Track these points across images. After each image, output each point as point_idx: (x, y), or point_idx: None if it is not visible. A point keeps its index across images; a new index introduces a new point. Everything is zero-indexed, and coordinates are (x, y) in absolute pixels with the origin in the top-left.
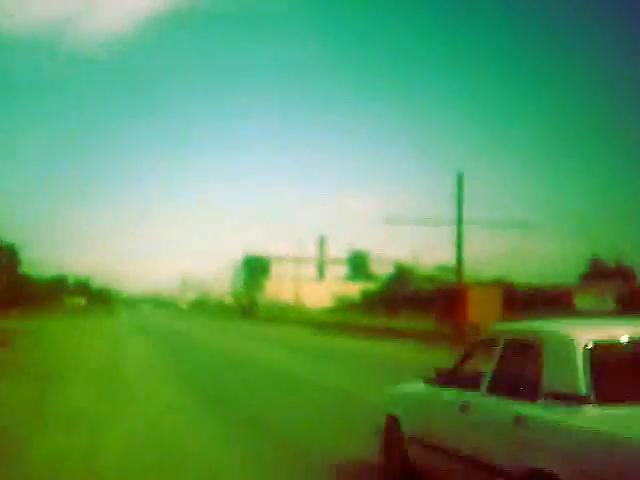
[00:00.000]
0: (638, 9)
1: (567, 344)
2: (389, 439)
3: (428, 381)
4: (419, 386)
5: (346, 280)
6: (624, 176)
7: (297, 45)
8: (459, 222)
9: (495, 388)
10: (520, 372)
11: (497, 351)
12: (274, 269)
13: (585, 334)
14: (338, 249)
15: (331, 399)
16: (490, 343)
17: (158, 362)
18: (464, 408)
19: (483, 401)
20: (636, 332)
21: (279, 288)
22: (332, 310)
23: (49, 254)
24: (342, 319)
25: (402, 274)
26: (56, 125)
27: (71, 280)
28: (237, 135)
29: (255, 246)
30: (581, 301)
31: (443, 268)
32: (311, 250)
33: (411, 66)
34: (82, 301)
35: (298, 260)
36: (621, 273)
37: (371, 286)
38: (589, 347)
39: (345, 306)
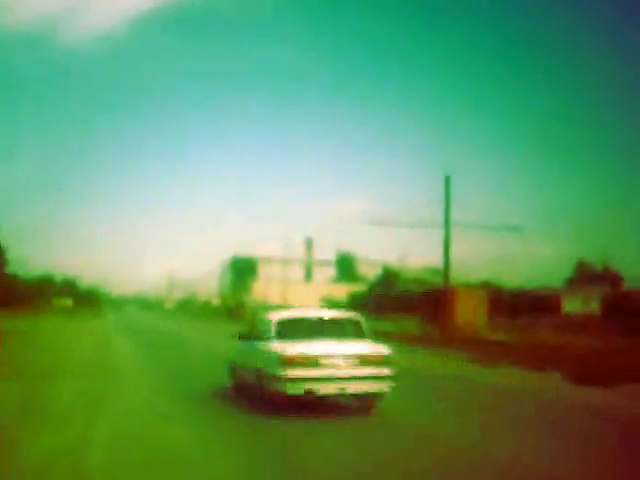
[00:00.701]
0: (632, 11)
1: (270, 319)
2: (230, 370)
3: (238, 338)
4: (236, 341)
5: (334, 282)
6: (613, 180)
7: (290, 47)
8: (446, 224)
9: (256, 338)
10: (261, 331)
11: (257, 324)
12: (262, 270)
13: (277, 316)
14: (328, 251)
15: None
16: (256, 321)
17: (142, 362)
18: (248, 347)
19: (252, 344)
20: (297, 314)
21: (266, 289)
22: None
23: (36, 253)
24: None
25: (389, 276)
26: (44, 124)
27: (58, 280)
28: (227, 136)
29: (244, 247)
30: (569, 304)
31: (431, 270)
32: (300, 252)
33: (404, 68)
34: (69, 302)
35: (285, 261)
36: (608, 277)
37: (358, 288)
38: (277, 320)
39: (331, 308)
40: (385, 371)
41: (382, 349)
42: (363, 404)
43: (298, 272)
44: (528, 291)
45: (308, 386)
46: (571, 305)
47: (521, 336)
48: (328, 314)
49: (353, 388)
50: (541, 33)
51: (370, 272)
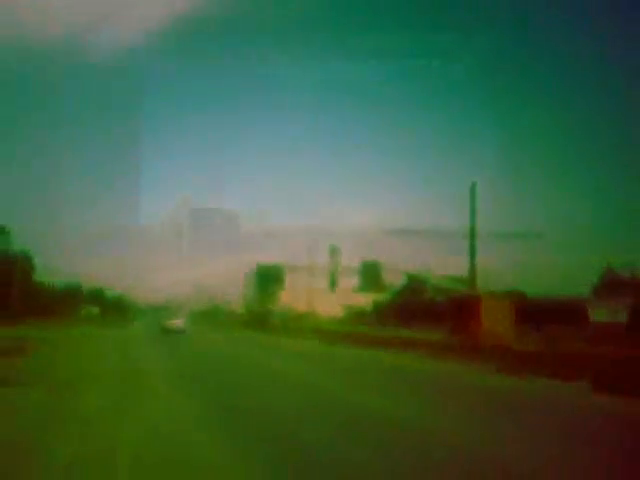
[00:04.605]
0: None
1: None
2: (159, 327)
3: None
4: (161, 320)
5: (358, 291)
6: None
7: (317, 58)
8: (472, 233)
9: (163, 319)
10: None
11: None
12: (287, 279)
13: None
14: (353, 260)
15: (354, 411)
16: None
17: (175, 374)
18: (162, 321)
19: (167, 322)
20: (173, 322)
21: (292, 298)
22: (343, 321)
23: (63, 261)
24: (357, 330)
25: (414, 285)
26: (71, 134)
27: (85, 288)
28: (250, 143)
29: (269, 255)
30: (596, 313)
31: (455, 279)
32: (325, 261)
33: (422, 77)
34: (96, 310)
35: (310, 269)
36: (636, 285)
37: (383, 297)
38: (166, 323)
39: (356, 316)
40: (184, 326)
41: (184, 321)
42: (180, 332)
43: (325, 281)
44: (554, 299)
45: (168, 328)
46: (598, 314)
47: (548, 345)
48: (178, 316)
49: (177, 329)
50: (567, 44)
51: (396, 281)
